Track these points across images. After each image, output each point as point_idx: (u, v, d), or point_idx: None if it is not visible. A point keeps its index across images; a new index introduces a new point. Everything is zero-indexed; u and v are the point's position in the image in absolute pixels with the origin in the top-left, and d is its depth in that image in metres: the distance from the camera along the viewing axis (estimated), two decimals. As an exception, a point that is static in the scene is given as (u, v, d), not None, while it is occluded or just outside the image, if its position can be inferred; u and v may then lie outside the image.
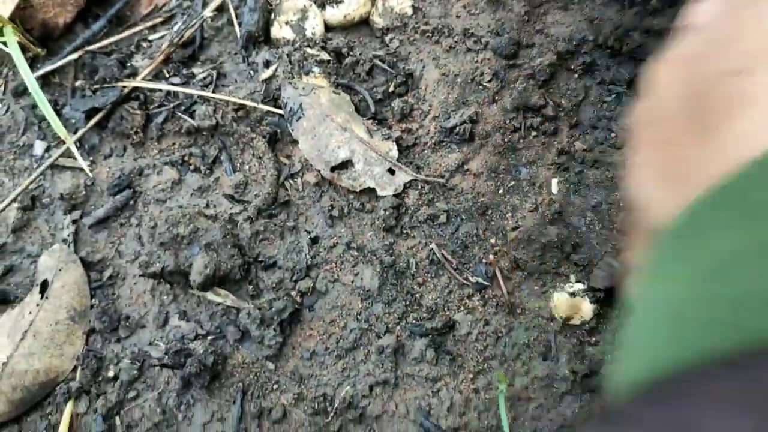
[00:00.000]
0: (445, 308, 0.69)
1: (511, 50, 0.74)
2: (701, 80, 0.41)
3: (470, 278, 0.70)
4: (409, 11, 0.79)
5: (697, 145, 0.39)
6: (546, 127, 0.71)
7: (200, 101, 0.77)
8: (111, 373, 0.72)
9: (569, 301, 0.65)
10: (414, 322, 0.69)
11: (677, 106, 0.42)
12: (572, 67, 0.74)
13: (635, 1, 0.73)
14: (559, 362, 0.66)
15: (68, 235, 0.74)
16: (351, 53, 0.77)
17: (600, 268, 0.65)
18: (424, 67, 0.76)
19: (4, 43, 0.78)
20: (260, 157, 0.75)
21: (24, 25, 0.83)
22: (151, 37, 0.83)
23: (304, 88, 0.75)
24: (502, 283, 0.69)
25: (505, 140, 0.72)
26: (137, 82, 0.78)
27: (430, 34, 0.77)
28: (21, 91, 0.81)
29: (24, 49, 0.83)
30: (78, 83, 0.81)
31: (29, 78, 0.73)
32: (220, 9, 0.82)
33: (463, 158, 0.72)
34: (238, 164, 0.76)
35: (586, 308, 0.65)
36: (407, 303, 0.70)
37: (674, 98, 0.42)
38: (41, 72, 0.82)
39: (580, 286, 0.66)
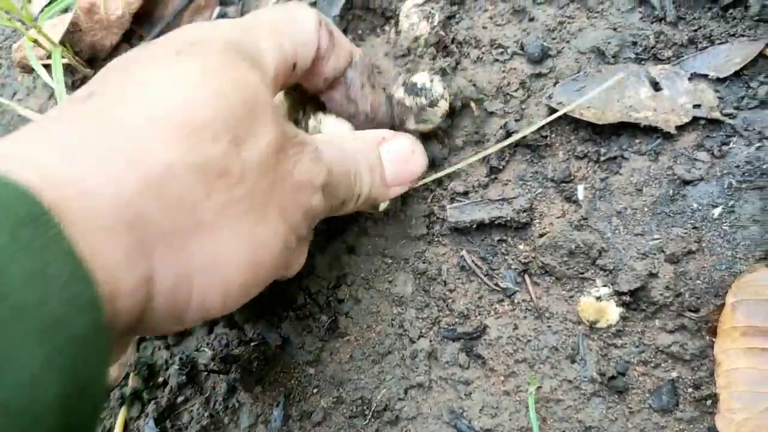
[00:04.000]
0: (476, 313, 0.72)
1: (538, 58, 0.76)
2: None
3: (500, 284, 0.72)
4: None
5: None
6: (571, 134, 0.73)
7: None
8: (161, 379, 0.77)
9: (595, 305, 0.68)
10: (446, 326, 0.72)
11: None
12: (597, 75, 0.75)
13: (656, 10, 0.74)
14: (587, 365, 0.68)
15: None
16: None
17: (625, 272, 0.67)
18: (452, 78, 0.78)
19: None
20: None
21: (73, 48, 0.87)
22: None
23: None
24: (530, 288, 0.71)
25: (533, 149, 0.74)
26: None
27: (459, 46, 0.79)
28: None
29: (74, 70, 0.87)
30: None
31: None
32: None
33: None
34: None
35: (612, 312, 0.67)
36: (439, 308, 0.73)
37: None
38: (90, 93, 0.86)
39: (606, 290, 0.68)
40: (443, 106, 0.71)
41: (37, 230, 0.32)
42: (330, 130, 0.67)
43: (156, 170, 0.41)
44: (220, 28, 0.54)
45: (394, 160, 0.64)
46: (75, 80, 0.90)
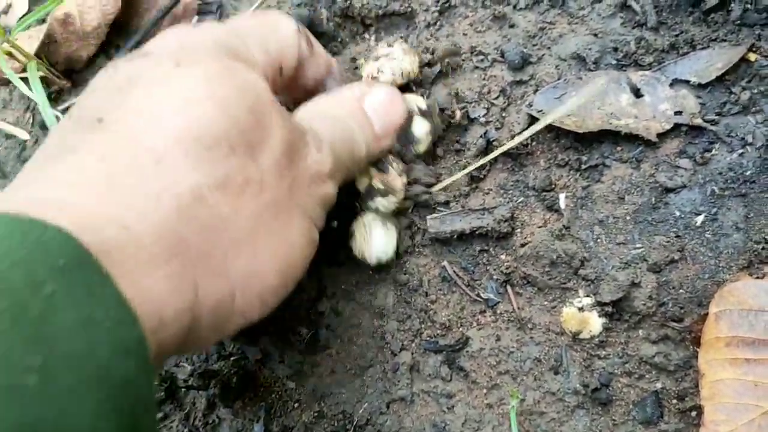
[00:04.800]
0: (458, 325, 0.71)
1: (518, 65, 0.75)
2: None
3: (482, 294, 0.71)
4: (418, 31, 0.80)
5: None
6: (552, 142, 0.72)
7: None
8: (140, 395, 0.75)
9: (578, 315, 0.67)
10: (428, 339, 0.71)
11: None
12: (578, 82, 0.75)
13: (637, 15, 0.73)
14: (570, 376, 0.67)
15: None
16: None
17: (607, 282, 0.66)
18: (432, 86, 0.77)
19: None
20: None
21: (49, 60, 0.86)
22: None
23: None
24: (513, 298, 0.70)
25: (514, 157, 0.73)
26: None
27: (438, 54, 0.78)
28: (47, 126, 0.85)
29: (49, 83, 0.86)
30: (101, 115, 0.84)
31: (47, 112, 0.77)
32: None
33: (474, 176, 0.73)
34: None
35: (595, 322, 0.66)
36: (421, 320, 0.72)
37: None
38: (67, 104, 0.86)
39: (588, 300, 0.67)
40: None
41: (81, 275, 0.32)
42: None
43: (186, 195, 0.42)
44: (206, 30, 0.54)
45: (378, 112, 0.64)
46: (51, 92, 0.88)
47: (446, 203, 0.73)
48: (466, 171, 0.72)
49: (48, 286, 0.31)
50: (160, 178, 0.42)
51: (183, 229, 0.42)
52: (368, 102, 0.64)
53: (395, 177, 0.68)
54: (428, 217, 0.72)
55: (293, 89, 0.66)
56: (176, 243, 0.41)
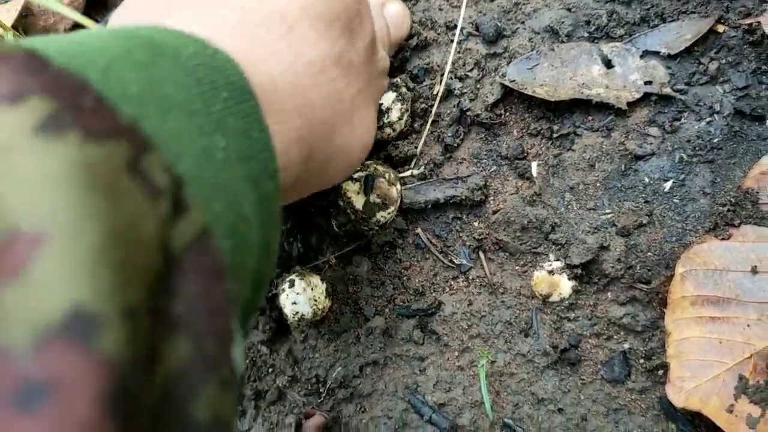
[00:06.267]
0: (431, 290, 0.72)
1: (492, 38, 0.76)
2: None
3: (454, 260, 0.72)
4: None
5: None
6: (525, 112, 0.74)
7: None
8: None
9: (548, 278, 0.68)
10: (401, 304, 0.72)
11: None
12: (550, 54, 0.76)
13: (607, -13, 0.74)
14: (540, 338, 0.68)
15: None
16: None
17: (576, 245, 0.67)
18: (407, 60, 0.78)
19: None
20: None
21: (26, 33, 0.86)
22: (147, 40, 0.86)
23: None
24: (485, 264, 0.71)
25: (487, 127, 0.74)
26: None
27: (416, 26, 0.79)
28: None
29: (27, 56, 0.86)
30: (78, 86, 0.84)
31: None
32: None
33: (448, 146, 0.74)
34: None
35: (564, 285, 0.67)
36: (394, 286, 0.73)
37: None
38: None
39: (558, 264, 0.68)
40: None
41: (244, 97, 0.36)
42: None
43: (316, 63, 0.46)
44: None
45: (394, 22, 0.70)
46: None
47: (421, 174, 0.74)
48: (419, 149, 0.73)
49: (223, 92, 0.34)
50: (293, 44, 0.45)
51: (311, 94, 0.45)
52: (387, 11, 0.69)
53: (389, 188, 0.70)
54: (402, 188, 0.73)
55: None
56: (305, 104, 0.44)
